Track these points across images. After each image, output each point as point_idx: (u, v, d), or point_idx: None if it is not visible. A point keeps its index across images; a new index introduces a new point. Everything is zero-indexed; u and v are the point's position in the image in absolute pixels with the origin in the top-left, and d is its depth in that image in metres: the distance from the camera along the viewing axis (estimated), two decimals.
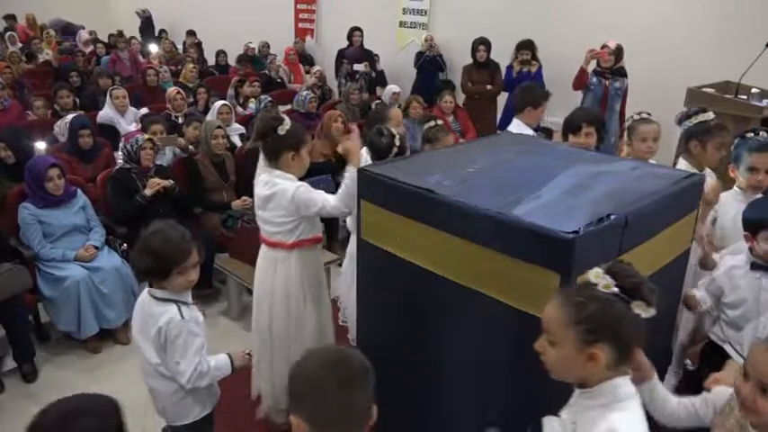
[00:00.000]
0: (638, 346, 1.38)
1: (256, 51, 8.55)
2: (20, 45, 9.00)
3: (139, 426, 2.73)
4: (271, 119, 2.52)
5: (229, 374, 2.16)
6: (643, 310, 1.30)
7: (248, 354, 2.27)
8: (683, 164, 2.90)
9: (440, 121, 3.42)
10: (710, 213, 2.74)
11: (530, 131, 3.58)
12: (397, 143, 2.90)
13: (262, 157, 2.57)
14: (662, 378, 1.92)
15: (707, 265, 2.51)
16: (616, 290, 1.31)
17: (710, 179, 2.78)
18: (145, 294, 2.03)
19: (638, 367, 1.51)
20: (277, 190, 2.46)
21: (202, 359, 2.02)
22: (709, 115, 2.96)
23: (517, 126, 3.64)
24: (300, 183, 2.48)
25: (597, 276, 1.34)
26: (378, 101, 4.14)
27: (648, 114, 3.08)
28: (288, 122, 2.49)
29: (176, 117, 5.24)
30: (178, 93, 5.37)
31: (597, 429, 1.31)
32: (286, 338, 2.61)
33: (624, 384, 1.35)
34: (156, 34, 10.41)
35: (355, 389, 1.26)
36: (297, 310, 2.61)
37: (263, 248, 2.63)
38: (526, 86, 3.88)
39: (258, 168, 2.60)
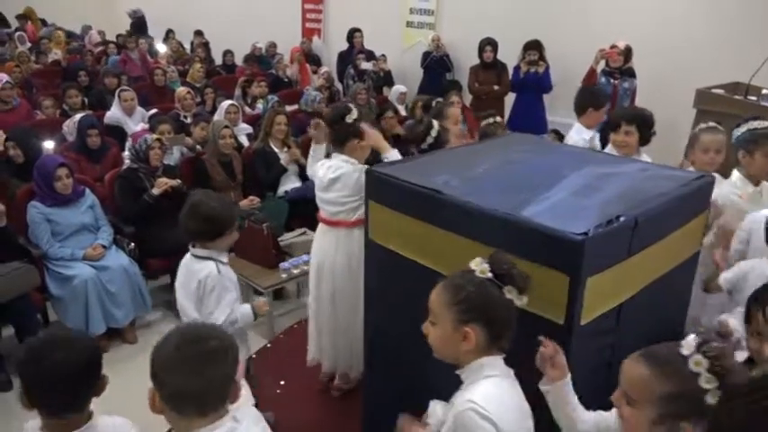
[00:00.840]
0: (508, 330, 1.44)
1: (263, 51, 8.56)
2: (29, 45, 9.04)
3: (144, 424, 2.75)
4: (340, 108, 2.84)
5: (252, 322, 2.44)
6: (515, 296, 1.41)
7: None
8: (736, 176, 2.76)
9: (498, 118, 3.51)
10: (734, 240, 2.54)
11: (590, 134, 3.59)
12: (434, 134, 3.09)
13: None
14: None
15: (711, 288, 2.42)
16: (490, 275, 1.41)
17: (731, 209, 2.62)
18: (188, 255, 2.30)
19: (555, 365, 1.55)
20: (343, 173, 2.73)
21: (233, 311, 2.30)
22: (762, 123, 2.87)
23: (578, 130, 3.63)
24: (364, 166, 2.66)
25: (476, 264, 1.44)
26: (439, 100, 4.33)
27: (718, 124, 2.93)
28: (355, 112, 2.78)
29: (185, 117, 5.25)
30: (188, 92, 5.39)
31: (457, 402, 1.41)
32: (349, 308, 2.82)
33: (492, 363, 1.44)
34: (150, 32, 10.37)
35: (210, 368, 1.34)
36: (358, 281, 2.69)
37: (322, 227, 2.88)
38: (588, 88, 3.92)
39: (312, 150, 2.98)
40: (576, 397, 1.56)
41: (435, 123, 3.16)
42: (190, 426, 1.36)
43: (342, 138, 2.76)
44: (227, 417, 1.39)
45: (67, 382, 1.48)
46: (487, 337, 1.42)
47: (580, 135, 3.63)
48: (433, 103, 3.46)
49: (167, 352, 1.36)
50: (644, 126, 3.05)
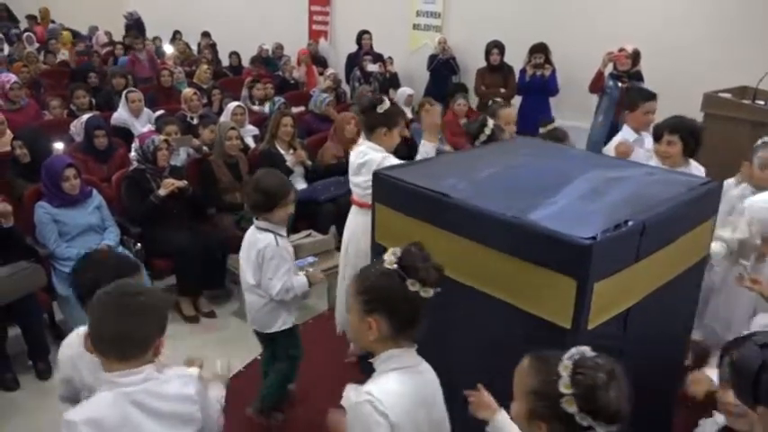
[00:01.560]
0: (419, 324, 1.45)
1: (270, 53, 8.58)
2: (37, 45, 9.09)
3: None
4: (373, 98, 3.11)
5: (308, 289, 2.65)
6: (420, 289, 1.39)
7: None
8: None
9: (557, 125, 3.57)
10: None
11: (633, 136, 3.61)
12: (488, 132, 3.25)
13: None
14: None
15: None
16: (395, 266, 1.40)
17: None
18: (252, 228, 2.57)
19: (480, 405, 1.58)
20: (368, 159, 2.89)
21: (289, 279, 2.52)
22: None
23: (623, 132, 3.64)
24: (388, 154, 2.90)
25: (388, 255, 1.44)
26: (498, 100, 4.33)
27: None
28: (387, 104, 2.94)
29: (192, 118, 5.27)
30: (195, 93, 5.41)
31: (358, 393, 1.42)
32: None
33: (400, 355, 1.45)
34: (157, 33, 10.38)
35: (130, 318, 1.46)
36: None
37: (354, 208, 3.07)
38: (637, 88, 3.95)
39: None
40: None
41: (490, 121, 3.29)
42: (110, 367, 1.48)
43: (371, 125, 2.94)
44: (149, 366, 1.50)
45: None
46: (391, 328, 1.43)
47: (623, 136, 3.62)
48: (489, 103, 3.47)
49: (98, 296, 1.49)
50: (688, 136, 2.97)
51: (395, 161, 2.83)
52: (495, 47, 6.13)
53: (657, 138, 3.06)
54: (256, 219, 2.56)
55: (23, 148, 3.88)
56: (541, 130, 3.67)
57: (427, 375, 1.52)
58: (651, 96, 3.68)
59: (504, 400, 1.80)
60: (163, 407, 1.51)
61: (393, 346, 1.46)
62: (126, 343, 1.47)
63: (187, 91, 5.53)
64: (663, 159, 3.01)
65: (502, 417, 1.55)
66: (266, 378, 2.81)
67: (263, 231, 2.51)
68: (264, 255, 2.48)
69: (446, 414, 1.56)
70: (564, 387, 1.23)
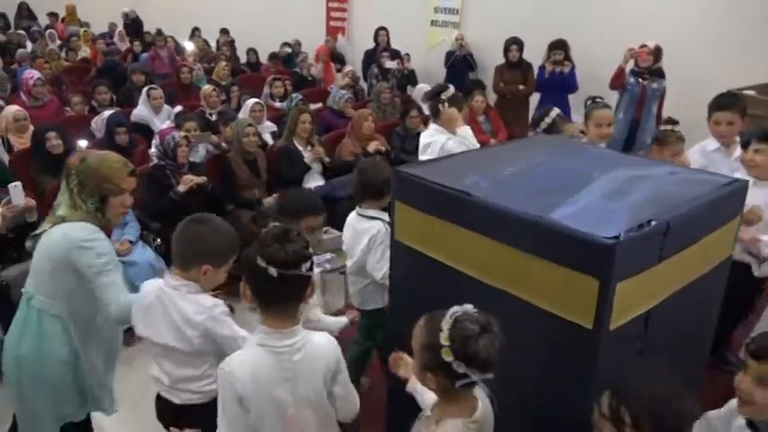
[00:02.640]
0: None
1: (290, 51, 8.59)
2: (59, 42, 9.21)
3: None
4: (439, 85, 3.62)
5: None
6: (267, 267, 1.55)
7: None
8: None
9: (676, 127, 3.36)
10: None
11: (713, 145, 3.42)
12: (548, 121, 3.44)
13: None
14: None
15: None
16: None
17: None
18: (353, 215, 2.72)
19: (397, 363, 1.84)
20: (433, 140, 3.29)
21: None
22: None
23: (709, 143, 3.43)
24: (452, 137, 3.30)
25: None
26: (599, 99, 3.91)
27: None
28: (451, 91, 3.41)
29: (211, 114, 5.31)
30: (213, 90, 5.46)
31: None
32: None
33: (268, 334, 1.61)
34: (177, 31, 10.43)
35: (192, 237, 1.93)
36: None
37: None
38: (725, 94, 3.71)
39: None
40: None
41: (555, 110, 3.45)
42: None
43: (436, 109, 3.38)
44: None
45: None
46: (259, 304, 1.62)
47: (702, 147, 3.43)
48: (547, 119, 3.38)
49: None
50: None
51: (454, 145, 3.16)
52: (514, 43, 6.09)
53: (744, 145, 2.97)
54: (360, 206, 2.70)
55: (58, 139, 3.94)
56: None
57: (294, 356, 1.62)
58: (722, 106, 3.39)
59: (525, 396, 1.80)
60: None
61: (263, 322, 1.62)
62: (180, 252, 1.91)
63: (206, 88, 5.57)
64: (749, 169, 2.90)
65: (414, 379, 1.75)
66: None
67: (371, 219, 2.64)
68: (375, 240, 2.61)
69: (324, 391, 1.70)
70: (443, 339, 1.44)
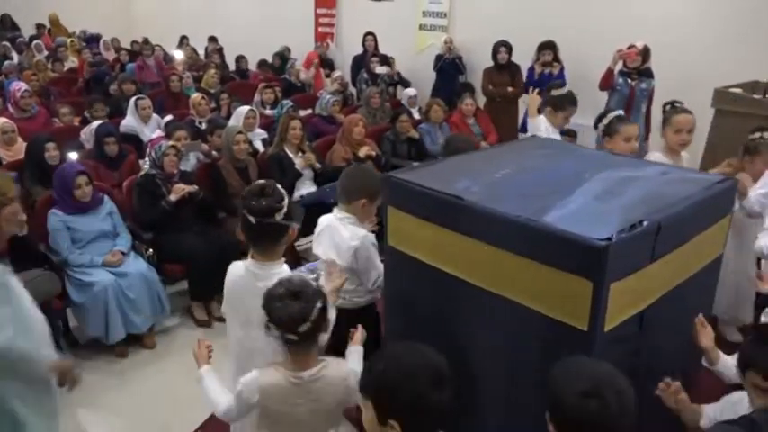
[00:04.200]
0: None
1: (283, 63, 8.55)
2: (46, 53, 9.16)
3: (164, 428, 2.78)
4: (553, 82, 4.00)
5: None
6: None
7: None
8: None
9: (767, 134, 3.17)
10: None
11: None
12: (605, 122, 3.32)
13: None
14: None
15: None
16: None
17: None
18: (333, 219, 2.51)
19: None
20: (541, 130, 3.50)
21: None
22: None
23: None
24: (551, 128, 3.56)
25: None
26: (620, 114, 3.53)
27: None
28: (563, 90, 3.79)
29: (200, 123, 5.29)
30: (203, 98, 5.45)
31: None
32: None
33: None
34: (164, 39, 10.39)
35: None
36: None
37: None
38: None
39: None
40: None
41: (615, 112, 3.34)
42: None
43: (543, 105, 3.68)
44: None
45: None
46: (248, 242, 2.05)
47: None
48: (606, 121, 3.25)
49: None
50: None
51: (542, 131, 3.33)
52: (503, 45, 6.11)
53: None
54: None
55: (57, 149, 3.94)
56: (554, 93, 3.72)
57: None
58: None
59: (521, 399, 1.80)
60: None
61: (251, 256, 2.05)
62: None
63: (195, 96, 5.55)
64: None
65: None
66: None
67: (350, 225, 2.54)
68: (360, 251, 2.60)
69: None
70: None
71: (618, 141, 3.14)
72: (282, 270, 2.00)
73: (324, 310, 1.74)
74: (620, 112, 3.36)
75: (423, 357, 1.39)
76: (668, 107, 3.34)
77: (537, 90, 3.90)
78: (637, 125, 3.28)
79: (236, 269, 2.08)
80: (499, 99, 6.14)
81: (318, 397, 1.78)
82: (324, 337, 1.83)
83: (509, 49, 6.10)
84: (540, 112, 3.72)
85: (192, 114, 5.41)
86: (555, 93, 3.68)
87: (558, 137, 3.53)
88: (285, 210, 1.95)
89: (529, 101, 3.76)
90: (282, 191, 2.00)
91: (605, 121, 3.22)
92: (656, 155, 3.15)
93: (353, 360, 1.95)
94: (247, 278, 2.01)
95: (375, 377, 1.39)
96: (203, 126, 5.23)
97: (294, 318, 1.67)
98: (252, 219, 1.91)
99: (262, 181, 2.04)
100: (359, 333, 2.06)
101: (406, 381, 1.33)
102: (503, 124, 5.87)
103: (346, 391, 1.80)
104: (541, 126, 3.61)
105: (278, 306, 1.68)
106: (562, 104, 3.69)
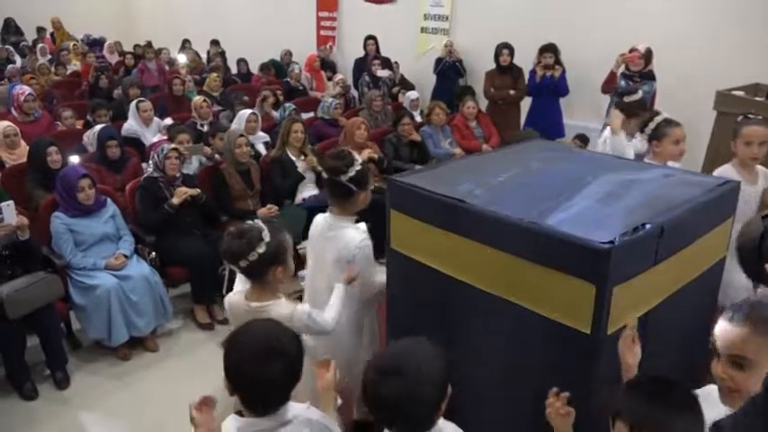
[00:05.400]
0: None
1: (278, 61, 8.60)
2: (49, 57, 9.18)
3: (165, 427, 2.78)
4: (627, 87, 3.84)
5: None
6: None
7: None
8: None
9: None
10: None
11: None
12: (652, 126, 3.17)
13: None
14: None
15: None
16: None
17: None
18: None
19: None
20: (613, 140, 3.33)
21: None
22: None
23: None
24: (624, 139, 3.33)
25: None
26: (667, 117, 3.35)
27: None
28: (635, 96, 3.54)
29: (202, 125, 5.31)
30: (204, 101, 5.47)
31: None
32: None
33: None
34: (167, 42, 10.41)
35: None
36: None
37: None
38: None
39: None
40: None
41: (661, 115, 3.18)
42: None
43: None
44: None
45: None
46: None
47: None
48: (653, 125, 3.11)
49: None
50: None
51: (626, 146, 3.19)
52: (505, 47, 6.06)
53: None
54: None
55: (59, 154, 3.96)
56: (626, 99, 3.54)
57: None
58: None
59: (522, 401, 1.80)
60: None
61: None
62: None
63: (197, 99, 5.57)
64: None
65: None
66: None
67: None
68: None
69: None
70: None
71: (666, 145, 3.02)
72: (350, 225, 2.28)
73: (269, 255, 1.96)
74: (667, 115, 3.22)
75: (255, 337, 1.49)
76: (740, 117, 3.14)
77: (618, 103, 3.64)
78: (683, 126, 3.11)
79: (318, 218, 2.38)
80: (501, 102, 6.13)
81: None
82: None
83: (511, 51, 6.07)
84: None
85: (193, 117, 5.43)
86: (627, 99, 3.45)
87: (632, 146, 3.32)
88: (351, 174, 2.21)
89: (612, 117, 3.48)
90: (356, 157, 2.28)
91: (652, 125, 3.08)
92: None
93: (333, 295, 2.19)
94: (322, 226, 2.33)
95: (223, 357, 1.49)
96: (205, 128, 5.24)
97: (234, 253, 1.96)
98: (324, 174, 2.29)
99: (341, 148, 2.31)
100: (348, 271, 2.20)
101: (238, 358, 1.46)
102: (504, 127, 5.87)
103: (290, 321, 1.94)
104: (624, 142, 3.39)
105: (225, 241, 1.99)
106: (635, 111, 3.46)
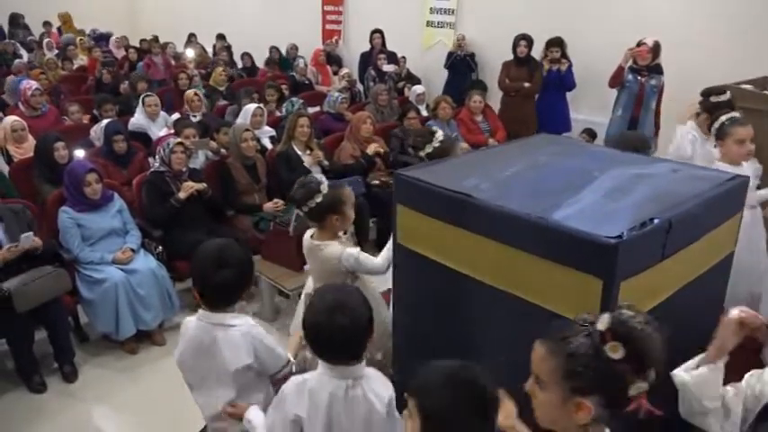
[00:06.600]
0: None
1: (284, 54, 8.60)
2: (56, 51, 9.21)
3: (174, 425, 2.79)
4: (714, 88, 3.63)
5: None
6: None
7: None
8: None
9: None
10: None
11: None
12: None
13: None
14: None
15: None
16: None
17: None
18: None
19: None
20: (687, 138, 3.50)
21: None
22: None
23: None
24: (699, 138, 3.52)
25: None
26: (734, 116, 3.22)
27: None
28: (723, 97, 3.50)
29: (194, 116, 5.37)
30: (195, 94, 5.56)
31: None
32: None
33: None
34: (172, 37, 10.43)
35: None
36: None
37: None
38: None
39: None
40: None
41: (730, 114, 3.08)
42: None
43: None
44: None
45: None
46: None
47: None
48: (717, 124, 3.01)
49: None
50: None
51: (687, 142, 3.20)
52: (523, 39, 5.94)
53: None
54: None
55: (66, 149, 3.98)
56: (713, 99, 3.46)
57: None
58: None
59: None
60: None
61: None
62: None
63: (189, 92, 5.63)
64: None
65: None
66: None
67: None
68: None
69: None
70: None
71: (730, 144, 2.93)
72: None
73: (325, 205, 2.36)
74: (734, 114, 3.09)
75: (208, 247, 1.90)
76: (728, 120, 3.06)
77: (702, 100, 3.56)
78: (750, 126, 3.00)
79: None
80: (514, 94, 6.05)
81: (325, 256, 2.41)
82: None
83: (529, 42, 5.94)
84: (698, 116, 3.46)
85: (186, 110, 5.47)
86: (714, 99, 3.33)
87: (707, 146, 3.23)
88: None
89: (687, 107, 3.46)
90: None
91: (717, 125, 2.99)
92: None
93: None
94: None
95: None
96: (197, 119, 5.29)
97: (296, 200, 2.41)
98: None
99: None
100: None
101: (196, 264, 1.89)
102: (518, 120, 5.80)
103: (339, 261, 2.38)
104: (687, 137, 3.35)
105: (293, 189, 2.43)
106: (721, 111, 3.25)
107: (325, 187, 2.38)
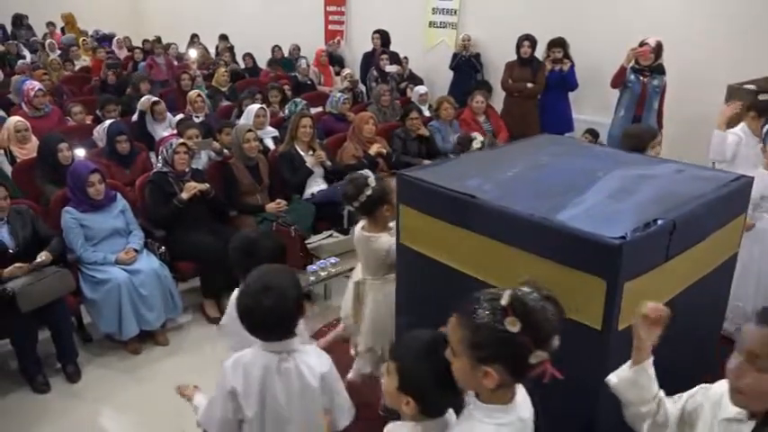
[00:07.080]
0: None
1: (287, 54, 8.60)
2: (59, 52, 9.22)
3: (177, 426, 2.79)
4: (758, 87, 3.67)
5: None
6: None
7: None
8: None
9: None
10: None
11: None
12: None
13: None
14: None
15: None
16: None
17: None
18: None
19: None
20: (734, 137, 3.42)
21: None
22: None
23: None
24: (740, 138, 3.36)
25: None
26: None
27: None
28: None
29: (197, 117, 5.37)
30: (198, 95, 5.55)
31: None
32: None
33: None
34: (175, 37, 10.45)
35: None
36: None
37: None
38: None
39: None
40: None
41: None
42: None
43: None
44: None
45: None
46: None
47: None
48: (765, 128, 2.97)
49: None
50: None
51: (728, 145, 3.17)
52: (527, 39, 5.90)
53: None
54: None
55: (69, 150, 3.98)
56: (761, 97, 3.47)
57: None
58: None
59: (533, 398, 1.79)
60: None
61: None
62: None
63: (192, 93, 5.61)
64: None
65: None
66: None
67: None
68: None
69: None
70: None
71: None
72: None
73: (375, 197, 2.41)
74: None
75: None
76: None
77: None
78: None
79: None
80: (517, 94, 6.03)
81: (375, 248, 2.48)
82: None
83: (533, 43, 5.91)
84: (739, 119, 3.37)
85: (188, 110, 5.46)
86: (762, 98, 3.35)
87: (754, 144, 3.19)
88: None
89: (724, 110, 3.36)
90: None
91: (765, 129, 2.96)
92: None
93: None
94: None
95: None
96: (200, 119, 5.29)
97: (348, 196, 2.47)
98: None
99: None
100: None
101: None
102: (520, 120, 5.79)
103: (387, 253, 2.43)
104: (728, 139, 3.28)
105: (342, 186, 2.55)
106: None
107: (372, 180, 2.45)
